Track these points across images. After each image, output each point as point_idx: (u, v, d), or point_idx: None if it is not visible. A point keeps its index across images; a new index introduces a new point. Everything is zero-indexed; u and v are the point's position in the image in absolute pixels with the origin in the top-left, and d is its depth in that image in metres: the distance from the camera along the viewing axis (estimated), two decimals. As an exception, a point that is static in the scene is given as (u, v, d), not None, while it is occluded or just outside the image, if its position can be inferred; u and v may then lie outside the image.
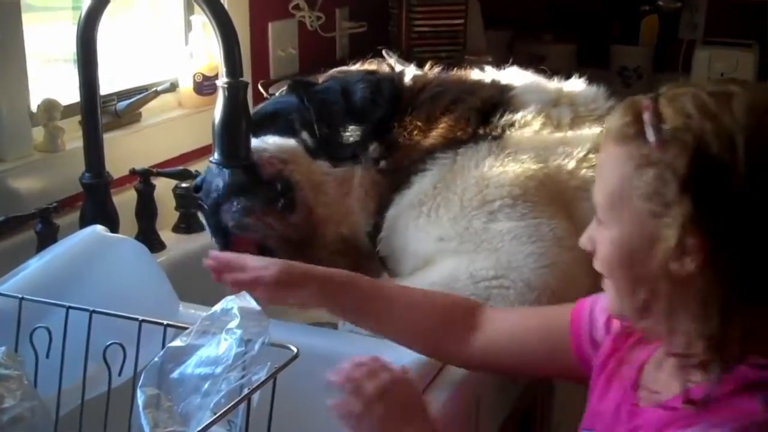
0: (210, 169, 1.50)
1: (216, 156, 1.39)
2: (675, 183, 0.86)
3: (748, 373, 0.87)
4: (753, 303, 0.86)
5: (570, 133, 1.44)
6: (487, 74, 1.56)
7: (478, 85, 1.52)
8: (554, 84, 1.54)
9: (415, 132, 1.46)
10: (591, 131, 1.41)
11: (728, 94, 0.87)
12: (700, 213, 0.85)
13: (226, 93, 1.36)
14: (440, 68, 1.59)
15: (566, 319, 1.12)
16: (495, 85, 1.52)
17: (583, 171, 1.39)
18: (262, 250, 1.50)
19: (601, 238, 0.95)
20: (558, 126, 1.45)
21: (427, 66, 1.60)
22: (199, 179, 1.53)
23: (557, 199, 1.39)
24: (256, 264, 1.20)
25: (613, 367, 1.03)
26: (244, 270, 1.20)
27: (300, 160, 1.49)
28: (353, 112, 1.47)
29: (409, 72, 1.54)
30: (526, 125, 1.44)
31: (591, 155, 1.37)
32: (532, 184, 1.37)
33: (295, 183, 1.48)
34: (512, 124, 1.44)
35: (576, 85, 1.54)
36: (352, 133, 1.46)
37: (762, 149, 0.85)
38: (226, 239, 1.51)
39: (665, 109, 0.89)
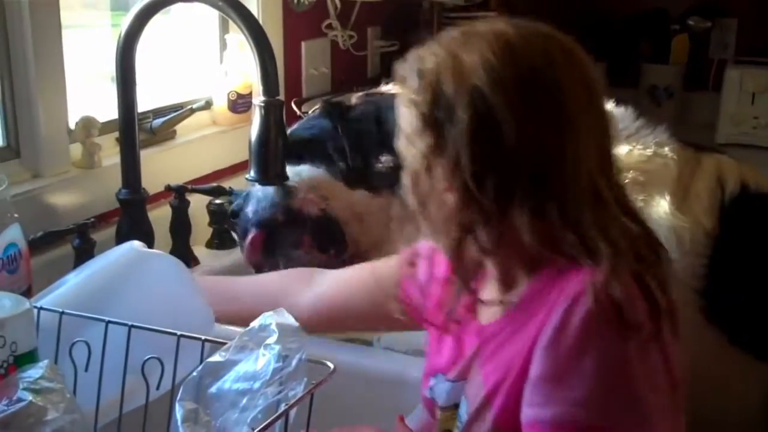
0: (250, 194, 1.51)
1: (252, 173, 1.41)
2: (420, 120, 0.91)
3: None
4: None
5: None
6: None
7: None
8: None
9: None
10: (618, 151, 1.41)
11: (475, 30, 0.93)
12: (440, 145, 0.90)
13: (263, 111, 1.38)
14: None
15: (390, 275, 1.17)
16: None
17: None
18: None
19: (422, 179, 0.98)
20: None
21: None
22: (236, 205, 1.55)
23: None
24: None
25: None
26: None
27: (339, 194, 1.51)
28: (387, 139, 1.48)
29: None
30: None
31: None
32: None
33: (339, 219, 1.49)
34: None
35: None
36: (386, 162, 1.47)
37: (494, 81, 0.88)
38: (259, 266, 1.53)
39: (426, 50, 0.94)
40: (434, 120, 0.91)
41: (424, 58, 0.94)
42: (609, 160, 0.94)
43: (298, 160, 1.52)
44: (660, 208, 1.34)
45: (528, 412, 0.87)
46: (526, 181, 0.88)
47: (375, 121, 1.49)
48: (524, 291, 0.93)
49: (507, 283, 0.95)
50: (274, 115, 1.40)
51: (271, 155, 1.40)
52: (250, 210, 1.52)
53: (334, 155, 1.50)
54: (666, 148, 1.39)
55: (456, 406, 1.00)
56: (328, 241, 1.49)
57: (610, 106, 1.52)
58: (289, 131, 1.55)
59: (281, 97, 1.46)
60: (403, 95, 0.96)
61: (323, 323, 1.25)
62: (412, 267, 1.13)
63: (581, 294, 0.86)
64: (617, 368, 0.85)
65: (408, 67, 0.96)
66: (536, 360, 0.87)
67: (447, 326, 1.04)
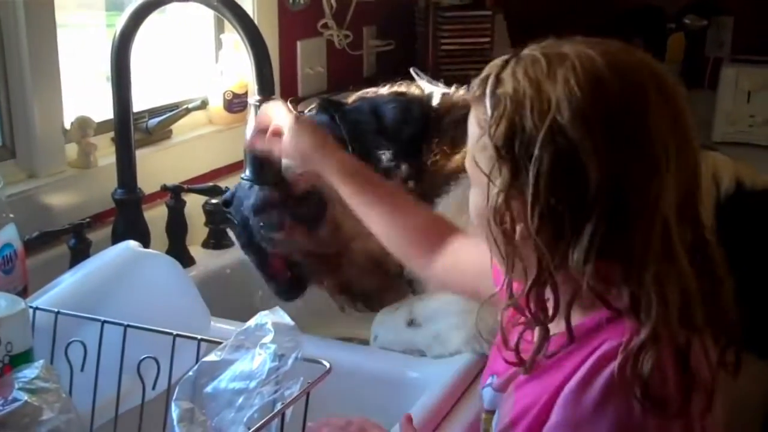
0: (240, 185, 1.51)
1: (247, 173, 1.40)
2: (492, 150, 0.86)
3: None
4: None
5: None
6: None
7: None
8: None
9: (440, 157, 1.46)
10: None
11: (561, 56, 0.85)
12: (517, 181, 0.84)
13: (258, 111, 1.37)
14: (466, 89, 1.59)
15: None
16: None
17: None
18: (292, 266, 1.51)
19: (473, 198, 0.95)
20: None
21: (453, 88, 1.60)
22: (228, 194, 1.54)
23: None
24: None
25: None
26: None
27: None
28: (384, 131, 1.47)
29: (437, 93, 1.55)
30: None
31: None
32: None
33: (325, 196, 1.48)
34: None
35: None
36: (383, 153, 1.46)
37: (578, 118, 0.82)
38: (257, 254, 1.52)
39: (506, 72, 0.87)
40: (510, 154, 0.85)
41: (503, 80, 0.87)
42: (692, 210, 0.88)
43: None
44: None
45: None
46: (601, 223, 0.83)
47: (373, 114, 1.48)
48: (574, 327, 0.89)
49: (569, 323, 0.90)
50: None
51: (266, 155, 1.39)
52: (240, 192, 1.50)
53: None
54: None
55: (494, 412, 0.99)
56: (307, 213, 1.47)
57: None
58: None
59: (277, 96, 1.46)
60: (476, 115, 0.91)
61: (437, 284, 1.25)
62: None
63: (611, 356, 0.83)
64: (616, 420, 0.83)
65: (485, 86, 0.89)
66: (558, 406, 0.85)
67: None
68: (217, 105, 2.00)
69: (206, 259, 1.73)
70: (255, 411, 0.87)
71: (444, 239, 1.19)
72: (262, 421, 0.85)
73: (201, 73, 2.04)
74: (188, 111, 1.90)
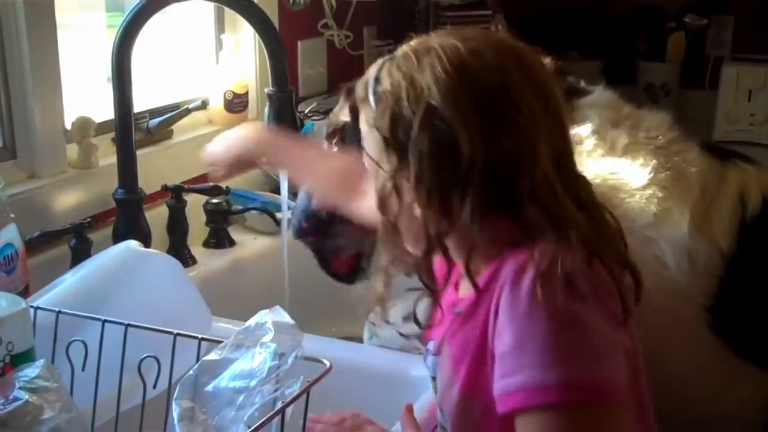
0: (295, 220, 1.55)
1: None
2: (383, 142, 0.95)
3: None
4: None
5: (622, 161, 1.37)
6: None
7: None
8: (622, 102, 1.48)
9: None
10: (644, 160, 1.35)
11: (427, 48, 0.95)
12: (404, 162, 0.94)
13: (275, 101, 1.50)
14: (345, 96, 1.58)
15: None
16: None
17: (628, 196, 1.36)
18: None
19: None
20: (611, 149, 1.38)
21: None
22: (296, 225, 1.56)
23: None
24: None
25: None
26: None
27: None
28: None
29: None
30: (578, 143, 1.36)
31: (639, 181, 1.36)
32: None
33: None
34: None
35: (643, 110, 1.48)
36: None
37: (448, 98, 0.91)
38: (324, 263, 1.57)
39: (383, 72, 0.97)
40: (396, 141, 0.94)
41: (381, 79, 0.97)
42: (568, 162, 0.98)
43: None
44: (678, 228, 1.30)
45: (498, 386, 0.89)
46: (485, 188, 0.91)
47: None
48: (487, 271, 0.96)
49: (472, 274, 0.97)
50: (286, 104, 1.49)
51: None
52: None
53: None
54: (692, 168, 1.34)
55: (435, 379, 1.04)
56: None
57: (645, 111, 1.49)
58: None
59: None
60: (364, 115, 1.00)
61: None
62: None
63: (525, 262, 0.90)
64: (569, 323, 0.87)
65: (366, 88, 1.00)
66: (498, 333, 0.90)
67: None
68: (217, 105, 2.00)
69: (207, 259, 1.73)
70: (255, 410, 0.87)
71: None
72: (263, 420, 0.85)
73: (202, 74, 2.04)
74: (189, 111, 1.90)
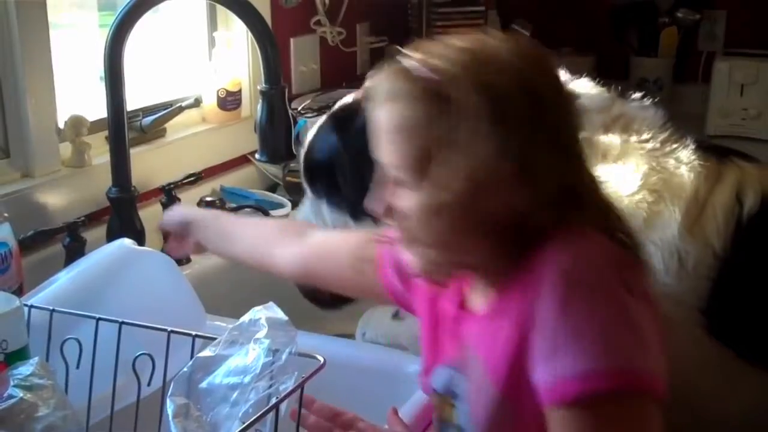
0: None
1: (260, 155, 1.55)
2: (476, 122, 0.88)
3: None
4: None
5: (613, 168, 1.35)
6: None
7: None
8: (614, 100, 1.46)
9: None
10: (635, 166, 1.34)
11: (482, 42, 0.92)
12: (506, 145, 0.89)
13: (267, 97, 1.51)
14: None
15: (374, 252, 1.16)
16: None
17: (618, 203, 1.35)
18: None
19: (406, 201, 0.93)
20: (604, 157, 1.36)
21: None
22: None
23: None
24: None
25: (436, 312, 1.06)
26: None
27: None
28: None
29: None
30: None
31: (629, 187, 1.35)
32: None
33: None
34: None
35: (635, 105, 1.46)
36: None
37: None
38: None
39: (431, 61, 0.90)
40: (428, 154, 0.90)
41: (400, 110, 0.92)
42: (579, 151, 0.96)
43: (321, 189, 1.53)
44: (667, 230, 1.29)
45: (544, 377, 0.87)
46: (508, 195, 0.89)
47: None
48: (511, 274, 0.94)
49: (493, 282, 0.96)
50: (278, 100, 1.51)
51: (276, 138, 1.51)
52: None
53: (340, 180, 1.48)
54: (684, 167, 1.33)
55: (453, 394, 1.00)
56: None
57: (637, 108, 1.47)
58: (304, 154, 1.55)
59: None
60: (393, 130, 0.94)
61: (301, 275, 1.29)
62: (389, 253, 1.13)
63: (570, 251, 0.88)
64: (614, 307, 0.87)
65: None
66: (541, 325, 0.88)
67: (438, 321, 1.04)
68: (210, 103, 2.00)
69: (201, 257, 1.73)
70: (250, 406, 0.87)
71: (302, 231, 1.29)
72: (257, 416, 0.85)
73: (194, 71, 2.04)
74: (182, 109, 1.91)
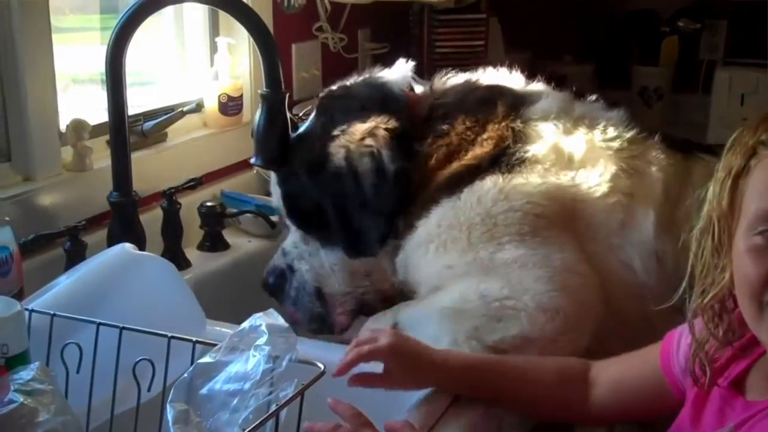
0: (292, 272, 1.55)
1: (256, 159, 1.55)
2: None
3: None
4: None
5: (581, 173, 1.38)
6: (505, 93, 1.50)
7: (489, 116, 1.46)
8: (573, 103, 1.48)
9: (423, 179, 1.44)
10: (604, 168, 1.37)
11: None
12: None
13: (266, 103, 1.51)
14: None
15: (656, 359, 1.14)
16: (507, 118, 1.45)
17: (590, 207, 1.36)
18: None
19: None
20: (570, 162, 1.39)
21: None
22: (273, 283, 1.57)
23: (567, 232, 1.35)
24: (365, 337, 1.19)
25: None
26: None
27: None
28: (367, 203, 1.45)
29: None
30: (536, 162, 1.38)
31: (600, 190, 1.35)
32: (541, 222, 1.33)
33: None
34: (522, 162, 1.38)
35: (596, 105, 1.48)
36: (371, 228, 1.46)
37: None
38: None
39: None
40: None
41: None
42: None
43: (309, 227, 1.54)
44: (643, 232, 1.32)
45: None
46: None
47: (354, 180, 1.45)
48: None
49: None
50: (277, 105, 1.51)
51: (272, 143, 1.51)
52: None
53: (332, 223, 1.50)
54: (653, 167, 1.36)
55: None
56: None
57: (599, 108, 1.48)
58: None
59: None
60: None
61: (603, 420, 1.24)
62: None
63: None
64: None
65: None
66: None
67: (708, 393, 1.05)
68: (212, 107, 2.00)
69: (201, 262, 1.74)
70: (250, 412, 0.87)
71: (584, 376, 1.21)
72: (257, 423, 0.85)
73: (196, 76, 2.04)
74: (183, 114, 1.90)
